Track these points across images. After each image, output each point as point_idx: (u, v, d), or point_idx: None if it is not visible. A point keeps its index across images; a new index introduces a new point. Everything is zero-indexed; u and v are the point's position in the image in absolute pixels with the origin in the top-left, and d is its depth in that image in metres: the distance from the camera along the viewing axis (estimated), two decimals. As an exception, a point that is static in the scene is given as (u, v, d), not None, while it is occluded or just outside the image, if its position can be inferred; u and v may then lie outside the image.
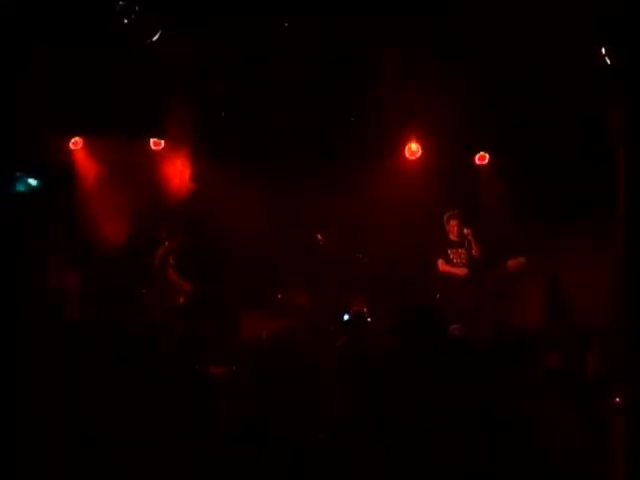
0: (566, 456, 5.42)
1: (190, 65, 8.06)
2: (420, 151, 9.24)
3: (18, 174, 6.35)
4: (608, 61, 6.77)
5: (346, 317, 7.58)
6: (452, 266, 8.40)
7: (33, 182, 8.35)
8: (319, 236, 8.98)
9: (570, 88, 7.60)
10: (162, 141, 9.27)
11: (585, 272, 8.82)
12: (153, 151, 9.32)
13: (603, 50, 6.80)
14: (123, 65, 7.69)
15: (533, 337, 7.24)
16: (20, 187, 7.95)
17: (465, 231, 8.37)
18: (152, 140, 9.25)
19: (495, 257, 8.49)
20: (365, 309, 7.48)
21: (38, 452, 4.73)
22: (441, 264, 8.41)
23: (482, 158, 9.37)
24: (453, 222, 8.45)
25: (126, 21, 7.06)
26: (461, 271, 8.39)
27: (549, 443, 5.57)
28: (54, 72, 7.30)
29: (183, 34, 7.47)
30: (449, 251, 8.44)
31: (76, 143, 9.11)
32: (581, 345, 7.60)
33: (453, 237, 8.46)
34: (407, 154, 9.27)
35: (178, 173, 9.39)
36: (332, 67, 8.00)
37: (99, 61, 7.57)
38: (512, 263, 8.20)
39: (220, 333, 8.90)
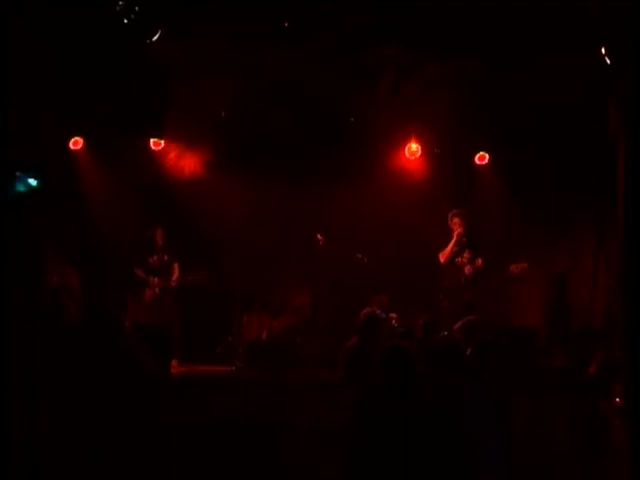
0: (566, 455, 5.43)
1: (189, 65, 8.07)
2: (420, 151, 9.25)
3: (18, 174, 6.34)
4: (608, 61, 6.77)
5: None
6: (453, 257, 8.38)
7: (33, 182, 8.35)
8: (319, 236, 8.98)
9: (570, 87, 7.60)
10: (162, 141, 9.28)
11: (585, 272, 8.84)
12: (153, 151, 9.33)
13: (603, 50, 6.80)
14: (123, 64, 7.68)
15: (533, 337, 7.26)
16: (20, 187, 7.94)
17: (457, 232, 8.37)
18: (152, 140, 9.26)
19: (495, 257, 8.50)
20: (380, 310, 7.42)
21: (35, 450, 4.73)
22: (442, 256, 8.39)
23: (482, 158, 9.38)
24: (456, 220, 8.42)
25: (126, 21, 7.06)
26: (462, 260, 8.38)
27: (549, 443, 5.57)
28: (54, 71, 7.30)
29: (182, 34, 7.49)
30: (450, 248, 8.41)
31: (76, 143, 9.12)
32: (581, 345, 7.62)
33: (456, 236, 8.42)
34: (407, 154, 9.27)
35: (178, 173, 9.41)
36: (332, 67, 7.99)
37: (99, 60, 7.57)
38: (514, 268, 8.17)
39: (221, 333, 8.94)
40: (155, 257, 8.91)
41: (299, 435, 5.24)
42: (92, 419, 4.75)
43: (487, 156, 9.35)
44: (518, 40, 7.14)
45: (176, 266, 8.97)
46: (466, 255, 8.38)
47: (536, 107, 8.16)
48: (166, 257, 8.96)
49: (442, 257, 8.38)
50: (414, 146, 9.21)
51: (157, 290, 8.82)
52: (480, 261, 8.32)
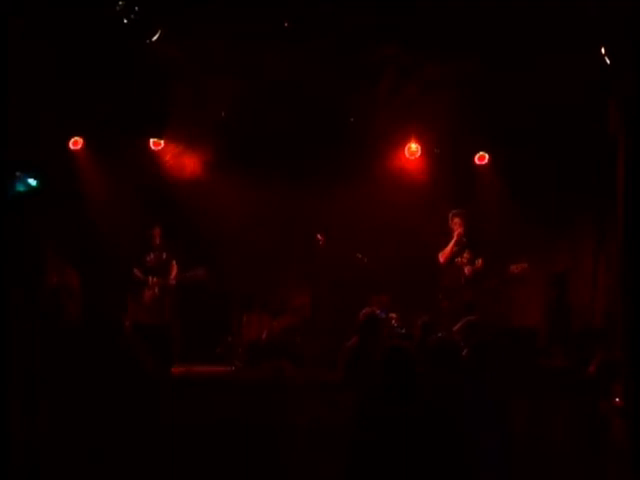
0: (566, 455, 5.43)
1: (189, 65, 8.08)
2: (420, 151, 9.25)
3: (18, 174, 6.34)
4: (608, 61, 6.77)
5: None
6: (452, 257, 8.37)
7: (33, 182, 8.35)
8: (319, 236, 8.98)
9: (570, 87, 7.60)
10: (162, 141, 9.28)
11: (585, 272, 8.84)
12: (153, 151, 9.33)
13: (603, 50, 6.80)
14: (123, 64, 7.69)
15: (533, 337, 7.26)
16: (20, 187, 7.95)
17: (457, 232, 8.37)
18: (152, 140, 9.26)
19: (495, 257, 8.50)
20: (380, 310, 7.42)
21: (35, 450, 4.73)
22: (441, 256, 8.39)
23: (482, 158, 9.38)
24: (457, 220, 8.42)
25: (126, 21, 7.06)
26: (462, 260, 8.38)
27: (549, 443, 5.57)
28: (54, 71, 7.30)
29: (182, 34, 7.49)
30: (450, 248, 8.40)
31: (76, 143, 9.11)
32: (581, 345, 7.62)
33: (456, 236, 8.41)
34: (407, 154, 9.27)
35: (178, 173, 9.40)
36: (332, 67, 7.99)
37: (99, 60, 7.57)
38: (514, 268, 8.17)
39: (221, 333, 8.94)
40: (152, 255, 8.92)
41: (299, 435, 5.24)
42: (92, 419, 4.75)
43: (487, 156, 9.35)
44: (518, 40, 7.14)
45: (174, 264, 8.98)
46: (466, 255, 8.38)
47: (536, 107, 8.15)
48: (164, 255, 8.97)
49: (442, 257, 8.37)
50: (414, 146, 9.21)
51: (156, 290, 8.82)
52: (480, 261, 8.31)
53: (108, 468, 4.66)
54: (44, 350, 5.20)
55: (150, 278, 8.82)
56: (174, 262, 8.98)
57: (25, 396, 4.87)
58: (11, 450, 4.46)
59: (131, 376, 4.87)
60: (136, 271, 8.84)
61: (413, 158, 9.29)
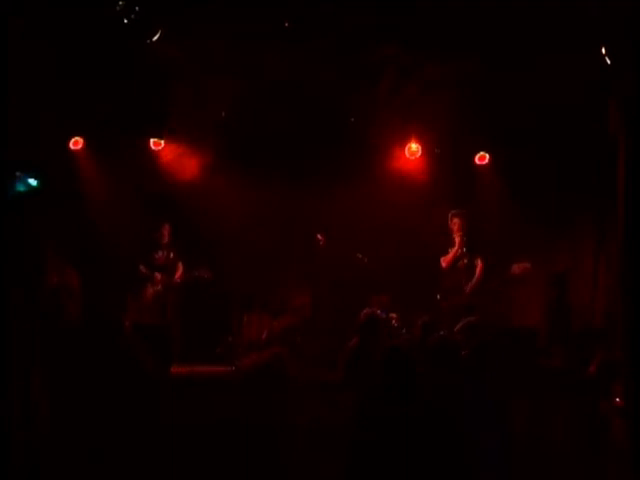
0: (566, 455, 5.43)
1: (189, 65, 8.08)
2: (420, 151, 9.24)
3: (18, 174, 6.34)
4: (608, 61, 6.77)
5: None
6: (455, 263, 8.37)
7: (33, 182, 8.35)
8: (319, 236, 8.98)
9: (570, 87, 7.60)
10: (162, 141, 9.28)
11: (585, 272, 8.84)
12: (153, 151, 9.32)
13: (603, 50, 6.80)
14: (123, 64, 7.69)
15: (533, 337, 7.27)
16: (20, 187, 7.95)
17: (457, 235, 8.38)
18: (152, 140, 9.25)
19: (495, 257, 8.50)
20: (380, 310, 7.42)
21: (35, 450, 4.73)
22: (444, 261, 8.39)
23: (482, 158, 9.38)
24: (456, 220, 8.43)
25: (126, 21, 7.06)
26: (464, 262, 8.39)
27: (549, 443, 5.57)
28: (54, 71, 7.30)
29: (182, 34, 7.49)
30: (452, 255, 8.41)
31: (76, 143, 9.11)
32: (581, 345, 7.62)
33: (457, 242, 8.41)
34: (407, 154, 9.27)
35: (178, 173, 9.40)
36: (332, 67, 7.99)
37: (99, 60, 7.57)
38: (516, 268, 8.17)
39: (221, 333, 8.94)
40: (160, 253, 8.95)
41: (299, 435, 5.24)
42: (92, 419, 4.75)
43: (487, 156, 9.35)
44: (518, 40, 7.14)
45: (180, 264, 9.00)
46: (467, 259, 8.39)
47: (536, 107, 8.16)
48: (171, 254, 8.99)
49: (444, 262, 8.38)
50: (414, 146, 9.20)
51: (160, 287, 8.84)
52: (480, 266, 8.33)
53: (108, 468, 4.66)
54: (44, 350, 5.20)
55: (155, 274, 8.85)
56: (180, 263, 9.00)
57: (25, 396, 4.87)
58: (11, 450, 4.46)
59: (131, 376, 4.87)
60: (141, 267, 8.85)
61: (413, 158, 9.29)
